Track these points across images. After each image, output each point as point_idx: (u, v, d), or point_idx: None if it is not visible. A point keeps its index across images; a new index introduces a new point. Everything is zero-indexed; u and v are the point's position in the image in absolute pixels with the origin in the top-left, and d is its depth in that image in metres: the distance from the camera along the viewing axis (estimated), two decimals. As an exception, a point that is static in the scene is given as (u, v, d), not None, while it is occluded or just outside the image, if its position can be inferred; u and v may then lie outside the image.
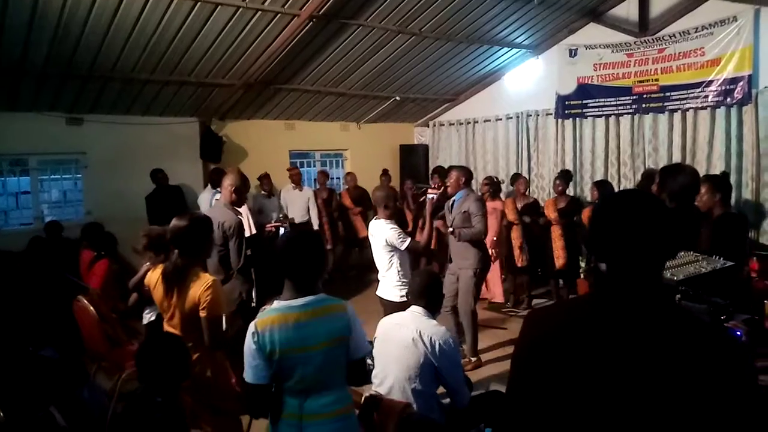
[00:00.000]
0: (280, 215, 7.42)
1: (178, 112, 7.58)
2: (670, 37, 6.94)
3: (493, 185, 6.80)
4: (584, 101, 7.82)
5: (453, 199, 5.14)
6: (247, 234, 4.49)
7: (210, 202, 6.60)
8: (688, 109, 6.89)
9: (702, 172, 4.90)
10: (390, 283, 4.30)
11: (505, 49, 8.13)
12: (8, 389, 2.79)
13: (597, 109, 7.72)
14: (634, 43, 7.27)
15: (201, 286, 2.75)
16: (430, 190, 5.38)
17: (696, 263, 2.68)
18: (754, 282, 4.10)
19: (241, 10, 5.47)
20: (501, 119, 9.01)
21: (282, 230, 6.57)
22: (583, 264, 6.43)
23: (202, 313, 2.73)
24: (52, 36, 5.20)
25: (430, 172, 8.88)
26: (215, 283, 2.80)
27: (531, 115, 8.59)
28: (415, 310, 3.15)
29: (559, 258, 6.38)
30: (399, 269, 4.27)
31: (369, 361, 2.89)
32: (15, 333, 3.70)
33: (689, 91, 6.83)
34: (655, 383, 1.14)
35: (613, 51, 7.48)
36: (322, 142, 9.54)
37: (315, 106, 8.56)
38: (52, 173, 7.37)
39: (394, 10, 6.26)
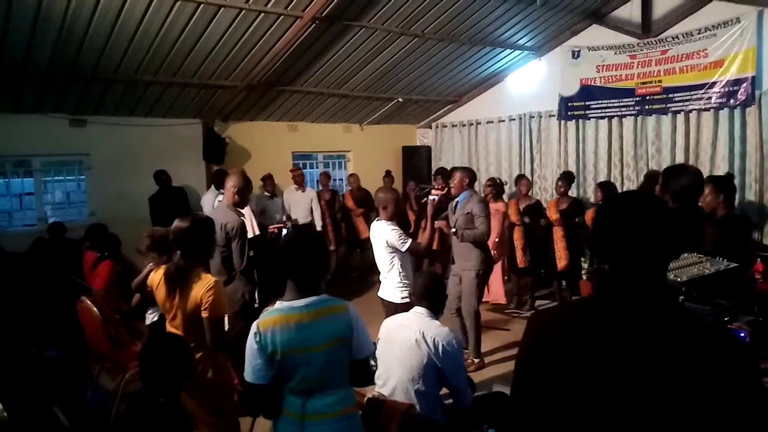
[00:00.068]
0: (284, 216, 7.42)
1: (182, 114, 7.60)
2: (673, 38, 6.93)
3: (496, 187, 6.79)
4: (587, 103, 7.81)
5: (456, 200, 5.14)
6: (250, 235, 4.49)
7: (213, 203, 6.61)
8: (691, 111, 6.88)
9: (705, 174, 4.89)
10: (391, 285, 4.30)
11: (508, 51, 8.14)
12: (12, 390, 2.79)
13: (600, 111, 7.72)
14: (637, 44, 7.26)
15: (203, 287, 2.75)
16: (433, 191, 5.38)
17: (699, 264, 2.67)
18: (758, 284, 4.09)
19: (244, 12, 5.48)
20: (504, 121, 9.01)
21: (284, 231, 6.57)
22: (585, 265, 6.42)
23: (204, 314, 2.73)
24: (55, 38, 5.22)
25: (432, 173, 8.89)
26: (217, 284, 2.80)
27: (534, 117, 8.58)
28: (419, 311, 3.15)
29: (561, 259, 6.38)
30: (400, 270, 4.27)
31: (372, 362, 2.89)
32: (18, 334, 3.72)
33: (692, 93, 6.82)
34: (659, 384, 1.14)
35: (616, 52, 7.47)
36: (325, 143, 9.55)
37: (318, 107, 8.57)
38: (56, 174, 7.40)
39: (397, 12, 6.27)
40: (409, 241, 4.25)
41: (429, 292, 3.18)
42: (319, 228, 7.90)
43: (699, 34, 6.69)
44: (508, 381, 1.40)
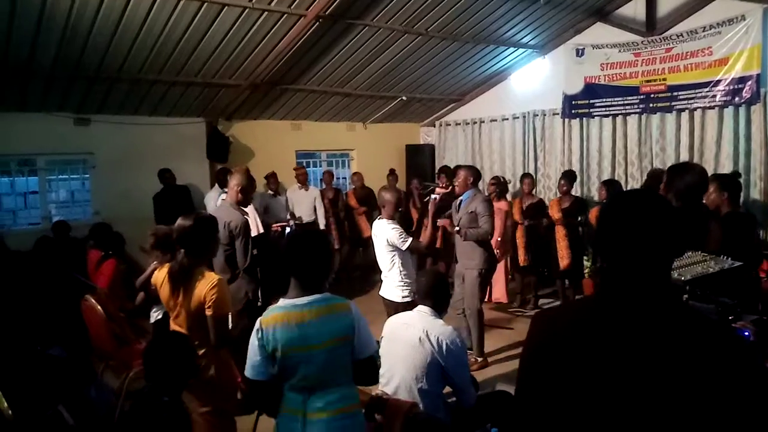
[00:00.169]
0: (288, 215, 7.43)
1: (185, 113, 7.62)
2: (678, 36, 6.90)
3: (499, 185, 6.78)
4: (591, 101, 7.79)
5: (460, 198, 5.13)
6: (253, 233, 4.49)
7: (217, 201, 6.62)
8: (695, 109, 6.86)
9: (710, 173, 4.87)
10: (392, 284, 4.30)
11: (512, 49, 8.12)
12: (17, 388, 2.81)
13: (604, 109, 7.70)
14: (642, 42, 7.23)
15: (206, 285, 2.76)
16: (437, 189, 5.38)
17: (704, 263, 2.65)
18: (763, 282, 4.07)
19: (247, 10, 5.49)
20: (507, 119, 8.99)
21: (288, 230, 6.58)
22: (588, 264, 6.41)
23: (208, 312, 2.74)
24: (59, 37, 5.24)
25: (436, 171, 8.88)
26: (221, 282, 2.80)
27: (538, 115, 8.56)
28: (422, 310, 3.15)
29: (564, 258, 6.37)
30: (401, 269, 4.27)
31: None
32: (23, 332, 3.74)
33: (697, 91, 6.79)
34: (664, 383, 1.14)
35: (620, 50, 7.44)
36: (329, 142, 9.55)
37: (321, 106, 8.57)
38: (60, 173, 7.42)
39: (401, 10, 6.26)
40: (410, 239, 4.25)
41: (433, 291, 3.17)
42: (322, 226, 7.91)
43: (704, 31, 6.66)
44: (512, 380, 1.40)
